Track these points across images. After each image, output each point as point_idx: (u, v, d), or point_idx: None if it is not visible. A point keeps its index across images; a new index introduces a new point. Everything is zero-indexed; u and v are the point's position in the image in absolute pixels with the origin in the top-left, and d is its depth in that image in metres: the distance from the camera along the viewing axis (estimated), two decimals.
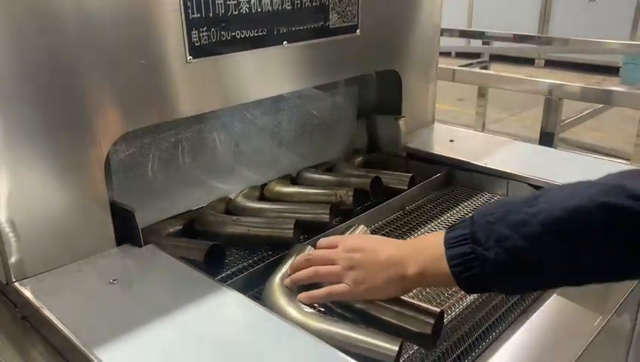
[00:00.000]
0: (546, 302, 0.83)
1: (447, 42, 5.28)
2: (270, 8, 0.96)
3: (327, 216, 1.01)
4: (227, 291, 0.73)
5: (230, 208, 1.11)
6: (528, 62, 7.28)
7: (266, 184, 1.18)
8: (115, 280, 0.75)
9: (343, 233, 0.93)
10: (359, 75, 1.33)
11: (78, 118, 0.76)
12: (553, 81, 2.43)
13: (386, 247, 0.71)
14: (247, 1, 0.92)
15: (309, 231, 0.99)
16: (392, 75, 1.29)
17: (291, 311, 0.72)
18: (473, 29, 6.52)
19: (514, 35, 4.93)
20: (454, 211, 1.14)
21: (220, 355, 0.61)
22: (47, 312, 0.69)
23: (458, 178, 1.24)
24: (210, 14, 0.87)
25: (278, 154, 1.23)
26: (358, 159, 1.36)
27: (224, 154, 1.12)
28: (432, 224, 1.09)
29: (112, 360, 0.60)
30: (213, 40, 0.89)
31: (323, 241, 0.79)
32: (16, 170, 0.73)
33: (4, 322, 0.77)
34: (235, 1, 0.90)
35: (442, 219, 1.11)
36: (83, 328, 0.65)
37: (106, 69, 0.77)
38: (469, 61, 4.35)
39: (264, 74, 0.99)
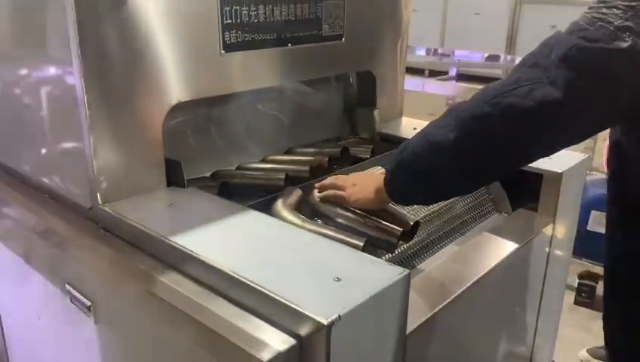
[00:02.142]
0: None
1: (420, 59, 5.74)
2: (279, 18, 1.29)
3: (307, 172, 1.34)
4: (253, 211, 1.05)
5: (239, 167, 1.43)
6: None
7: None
8: (172, 204, 1.07)
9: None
10: (345, 76, 1.67)
11: (149, 91, 1.08)
12: None
13: (374, 177, 1.09)
14: (264, 12, 1.25)
15: (294, 182, 1.31)
16: (368, 75, 1.63)
17: (295, 220, 1.06)
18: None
19: (481, 55, 5.38)
20: None
21: (255, 241, 0.93)
22: (129, 221, 1.00)
23: None
24: (238, 21, 1.20)
25: (279, 135, 1.56)
26: (339, 141, 1.69)
27: (240, 130, 1.45)
28: None
29: (188, 243, 0.91)
30: (239, 40, 1.21)
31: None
32: (105, 126, 1.04)
33: (90, 233, 1.07)
34: (255, 12, 1.23)
35: None
36: (158, 227, 0.96)
37: (169, 53, 1.09)
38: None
39: (274, 67, 1.32)
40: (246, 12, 1.21)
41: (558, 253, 1.41)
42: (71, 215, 1.14)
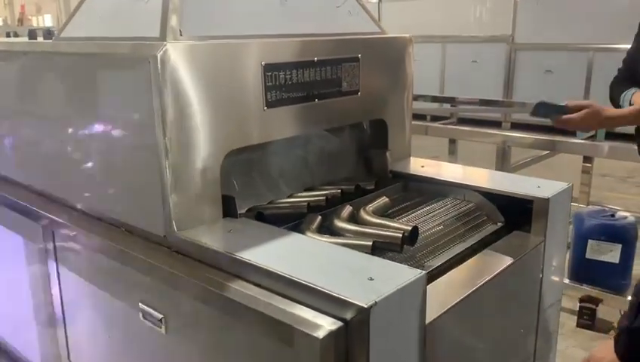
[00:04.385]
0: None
1: (423, 106, 6.11)
2: (308, 79, 1.58)
3: (324, 202, 1.58)
4: (292, 232, 1.31)
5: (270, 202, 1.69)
6: (496, 125, 8.07)
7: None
8: (230, 230, 1.33)
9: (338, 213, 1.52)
10: (359, 124, 1.96)
11: (210, 142, 1.36)
12: (503, 133, 3.10)
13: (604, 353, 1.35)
14: (296, 75, 1.54)
15: (314, 209, 1.54)
16: (381, 122, 1.91)
17: (319, 238, 1.33)
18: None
19: (479, 99, 5.72)
20: (404, 198, 1.76)
21: (305, 254, 1.18)
22: (201, 243, 1.25)
23: (417, 186, 1.84)
24: (277, 83, 1.49)
25: (305, 175, 1.83)
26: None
27: (272, 172, 1.72)
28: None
29: (251, 257, 1.16)
30: (278, 98, 1.50)
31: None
32: (180, 171, 1.31)
33: (165, 255, 1.32)
34: (290, 75, 1.52)
35: (400, 204, 1.71)
36: (225, 247, 1.22)
37: (226, 112, 1.37)
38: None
39: (304, 118, 1.60)
40: (283, 76, 1.50)
41: (550, 268, 1.64)
42: (146, 243, 1.40)
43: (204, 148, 1.35)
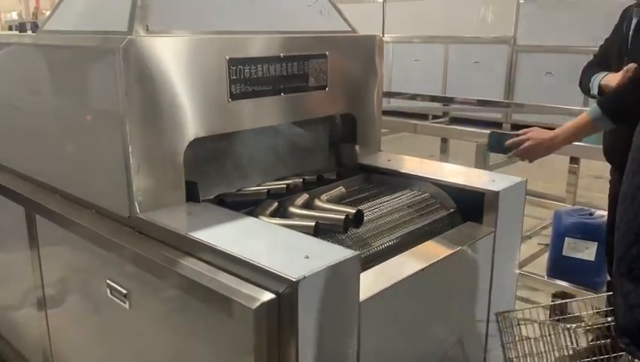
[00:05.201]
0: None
1: (423, 105, 6.19)
2: (274, 73, 1.67)
3: (285, 190, 1.66)
4: (246, 216, 1.40)
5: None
6: (496, 126, 8.12)
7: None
8: (191, 213, 1.42)
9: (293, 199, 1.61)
10: (332, 117, 2.04)
11: (174, 130, 1.45)
12: (487, 131, 3.16)
13: None
14: (262, 70, 1.63)
15: (274, 196, 1.63)
16: (350, 116, 2.00)
17: (272, 221, 1.42)
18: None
19: (477, 100, 5.78)
20: (364, 189, 1.85)
21: (253, 235, 1.27)
22: (160, 223, 1.35)
23: (380, 178, 1.93)
24: (242, 77, 1.58)
25: (277, 166, 1.92)
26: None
27: (245, 160, 1.81)
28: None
29: (203, 237, 1.26)
30: (242, 91, 1.59)
31: None
32: (142, 157, 1.40)
33: (128, 235, 1.42)
34: (255, 69, 1.61)
35: (358, 195, 1.80)
36: (182, 228, 1.32)
37: (190, 102, 1.46)
38: None
39: (270, 111, 1.69)
40: (247, 70, 1.59)
41: (502, 259, 1.72)
42: (112, 223, 1.50)
43: (167, 136, 1.44)
